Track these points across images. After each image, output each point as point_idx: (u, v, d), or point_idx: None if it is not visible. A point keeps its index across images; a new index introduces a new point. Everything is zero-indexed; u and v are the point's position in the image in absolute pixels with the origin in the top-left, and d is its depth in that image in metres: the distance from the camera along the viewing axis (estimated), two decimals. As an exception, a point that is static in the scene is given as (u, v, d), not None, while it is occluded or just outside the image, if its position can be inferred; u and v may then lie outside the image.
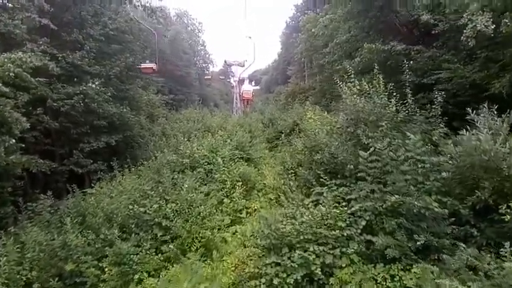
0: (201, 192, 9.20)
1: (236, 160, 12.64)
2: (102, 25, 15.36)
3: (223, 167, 10.71)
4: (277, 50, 75.55)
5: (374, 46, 10.91)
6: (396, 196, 5.11)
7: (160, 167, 11.34)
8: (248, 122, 25.09)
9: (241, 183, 10.14)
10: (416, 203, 4.96)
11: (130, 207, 7.97)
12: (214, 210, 8.65)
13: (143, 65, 18.54)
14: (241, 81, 36.46)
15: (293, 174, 9.94)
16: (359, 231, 5.50)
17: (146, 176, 11.16)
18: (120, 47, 16.67)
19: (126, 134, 16.38)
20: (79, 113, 14.11)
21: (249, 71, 52.77)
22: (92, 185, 12.96)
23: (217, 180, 10.26)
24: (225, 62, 37.57)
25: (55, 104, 13.36)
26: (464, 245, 4.70)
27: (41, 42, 13.28)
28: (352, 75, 7.55)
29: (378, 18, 12.33)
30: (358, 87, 7.19)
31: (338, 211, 5.43)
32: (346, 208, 5.51)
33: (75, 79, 14.82)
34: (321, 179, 6.90)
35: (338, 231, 5.36)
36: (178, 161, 11.46)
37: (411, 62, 10.25)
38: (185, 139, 17.64)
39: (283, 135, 16.75)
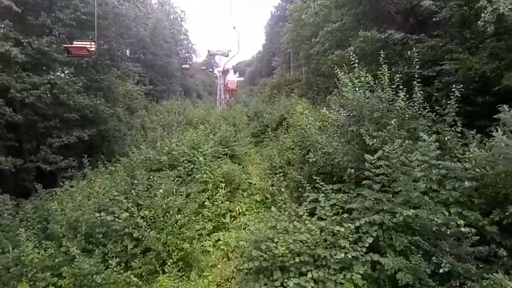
0: (180, 195, 8.20)
1: (219, 157, 11.66)
2: (73, 8, 13.99)
3: (205, 166, 9.68)
4: (261, 42, 74.46)
5: (369, 34, 10.02)
6: (412, 211, 4.25)
7: (135, 166, 10.25)
8: (232, 114, 24.06)
9: (224, 184, 9.18)
10: (435, 218, 4.11)
11: (97, 214, 6.89)
12: (194, 217, 7.66)
13: (74, 44, 12.32)
14: (225, 72, 35.28)
15: (282, 174, 9.08)
16: (364, 249, 4.63)
17: (119, 176, 10.04)
18: (93, 33, 15.34)
19: (100, 127, 15.12)
20: (47, 104, 12.84)
21: (233, 62, 51.52)
22: (62, 183, 11.82)
23: (198, 181, 9.25)
24: (208, 51, 36.21)
25: (19, 95, 12.02)
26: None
27: (2, 26, 11.91)
28: (356, 65, 6.53)
29: (373, 5, 11.45)
30: (362, 78, 6.24)
31: (341, 229, 4.51)
32: (350, 224, 4.58)
33: (43, 67, 13.50)
34: (316, 183, 5.99)
35: (340, 252, 4.46)
36: (155, 158, 10.38)
37: (409, 51, 9.44)
38: (165, 133, 16.65)
39: (269, 129, 15.83)
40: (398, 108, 5.48)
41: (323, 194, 5.91)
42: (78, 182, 11.58)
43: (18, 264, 6.30)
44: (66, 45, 11.98)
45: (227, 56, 35.12)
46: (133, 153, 10.99)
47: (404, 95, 5.60)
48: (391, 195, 4.82)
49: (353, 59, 6.73)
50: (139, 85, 34.80)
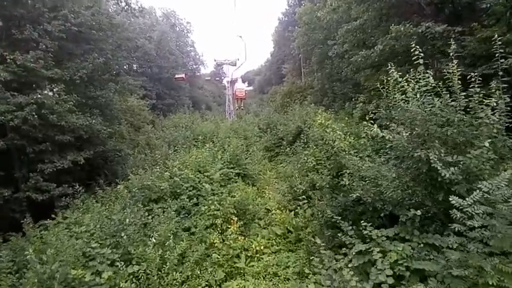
0: (182, 236, 6.62)
1: (230, 179, 10.08)
2: (62, 19, 12.67)
3: (213, 195, 8.04)
4: (269, 50, 73.27)
5: (402, 29, 8.35)
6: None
7: (131, 196, 8.76)
8: (243, 126, 22.56)
9: (237, 218, 7.56)
10: None
11: (73, 272, 5.31)
12: (200, 265, 6.05)
13: None
14: (233, 82, 33.92)
15: (306, 201, 7.43)
16: None
17: (111, 210, 8.53)
18: (89, 46, 14.07)
19: (98, 149, 13.69)
20: (35, 127, 11.43)
21: (242, 71, 50.28)
22: (54, 216, 10.36)
23: (205, 213, 7.63)
24: (215, 61, 34.92)
25: (2, 118, 10.66)
26: None
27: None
28: (420, 61, 4.64)
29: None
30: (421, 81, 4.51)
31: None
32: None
33: (33, 85, 12.21)
34: (362, 228, 4.31)
35: None
36: (155, 186, 8.82)
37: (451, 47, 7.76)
38: (171, 151, 15.18)
39: (285, 142, 14.23)
40: (488, 121, 3.76)
41: (373, 243, 4.22)
42: (73, 212, 10.17)
43: None
44: None
45: (235, 65, 33.79)
46: (129, 180, 9.47)
47: (495, 102, 3.86)
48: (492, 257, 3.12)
49: (417, 53, 4.79)
50: (145, 99, 33.74)
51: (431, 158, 3.65)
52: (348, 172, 5.98)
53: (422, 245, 4.00)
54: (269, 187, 11.57)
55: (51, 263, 5.93)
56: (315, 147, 9.51)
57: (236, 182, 10.03)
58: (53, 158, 12.36)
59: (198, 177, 9.19)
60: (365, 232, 4.28)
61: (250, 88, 76.31)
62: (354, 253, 4.26)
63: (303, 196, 7.64)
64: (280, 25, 48.70)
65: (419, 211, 3.97)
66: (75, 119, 12.34)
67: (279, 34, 50.38)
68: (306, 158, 9.13)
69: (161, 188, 8.70)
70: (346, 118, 14.13)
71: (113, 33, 16.04)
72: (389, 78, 5.23)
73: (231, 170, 10.93)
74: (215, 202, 7.65)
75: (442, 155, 3.79)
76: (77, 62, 13.14)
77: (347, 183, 5.89)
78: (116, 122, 15.71)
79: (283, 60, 47.43)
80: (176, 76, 38.98)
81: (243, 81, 51.75)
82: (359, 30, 11.19)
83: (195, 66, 58.10)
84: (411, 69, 5.08)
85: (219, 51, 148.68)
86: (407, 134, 4.19)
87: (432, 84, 4.34)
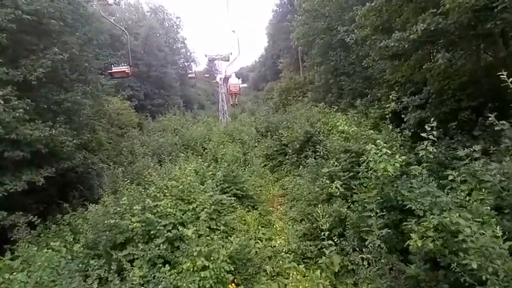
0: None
1: (224, 209, 7.70)
2: (11, 5, 10.15)
3: (197, 245, 5.52)
4: (263, 46, 70.61)
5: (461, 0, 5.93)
6: None
7: (94, 240, 6.42)
8: (238, 128, 20.14)
9: (234, 277, 5.21)
10: None
11: None
12: None
13: None
14: (226, 79, 31.58)
15: (333, 245, 5.15)
16: None
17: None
18: (50, 40, 11.59)
19: (62, 165, 11.22)
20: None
21: (236, 68, 48.07)
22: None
23: (189, 270, 5.22)
24: (206, 56, 32.49)
25: None
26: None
27: None
28: None
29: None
30: None
31: None
32: None
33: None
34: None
35: None
36: (121, 225, 6.39)
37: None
38: (153, 162, 12.80)
39: (290, 150, 11.84)
40: None
41: None
42: (27, 246, 7.78)
43: None
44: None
45: (228, 60, 31.37)
46: (84, 216, 7.05)
47: None
48: None
49: None
50: (132, 100, 31.14)
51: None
52: (421, 222, 3.61)
53: None
54: (275, 210, 9.25)
55: None
56: (337, 163, 7.11)
57: (233, 212, 7.63)
58: (4, 179, 9.91)
59: (182, 209, 6.78)
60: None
61: (245, 85, 73.75)
62: None
63: (328, 234, 5.34)
64: (275, 18, 46.00)
65: None
66: (29, 131, 9.88)
67: (273, 27, 47.75)
68: (327, 181, 6.68)
69: (130, 227, 6.29)
70: (359, 117, 11.78)
71: (82, 24, 13.51)
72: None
73: (226, 189, 8.58)
74: (201, 254, 5.25)
75: None
76: (33, 59, 10.64)
77: (431, 247, 3.52)
78: (87, 130, 13.20)
79: (279, 54, 44.83)
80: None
81: (237, 77, 49.30)
82: (382, 9, 8.69)
83: (186, 64, 55.40)
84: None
85: (211, 47, 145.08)
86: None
87: None
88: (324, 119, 12.43)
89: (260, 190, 10.02)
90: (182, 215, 6.61)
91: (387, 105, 7.44)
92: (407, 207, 4.24)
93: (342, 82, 17.64)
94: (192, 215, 6.57)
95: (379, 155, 4.80)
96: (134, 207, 6.39)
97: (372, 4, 8.74)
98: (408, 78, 9.87)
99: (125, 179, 11.16)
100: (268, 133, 14.85)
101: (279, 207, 9.60)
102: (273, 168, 12.71)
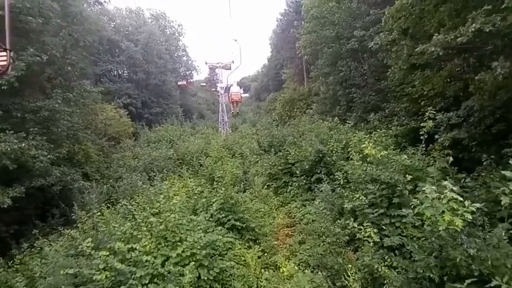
0: None
1: (220, 245, 6.18)
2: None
3: None
4: (265, 56, 69.62)
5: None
6: None
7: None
8: (238, 142, 18.67)
9: None
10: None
11: None
12: None
13: None
14: (227, 89, 30.32)
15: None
16: None
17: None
18: (26, 40, 10.25)
19: (35, 183, 9.76)
20: None
21: (237, 77, 46.91)
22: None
23: None
24: (206, 63, 31.22)
25: None
26: None
27: None
28: None
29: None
30: None
31: None
32: None
33: None
34: None
35: None
36: (84, 275, 4.87)
37: None
38: (141, 181, 11.29)
39: (297, 171, 10.32)
40: None
41: None
42: None
43: None
44: None
45: (229, 68, 30.14)
46: (41, 259, 5.51)
47: None
48: None
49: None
50: (128, 108, 29.79)
51: None
52: None
53: None
54: (281, 243, 7.72)
55: None
56: (363, 197, 5.59)
57: (230, 249, 6.11)
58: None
59: (164, 254, 5.24)
60: None
61: (246, 95, 72.49)
62: None
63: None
64: (279, 27, 44.81)
65: None
66: (-6, 144, 8.45)
67: (277, 36, 46.58)
68: (355, 224, 5.08)
69: (95, 279, 4.76)
70: (379, 137, 10.23)
71: (68, 23, 12.17)
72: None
73: (224, 218, 7.09)
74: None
75: None
76: (5, 61, 9.22)
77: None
78: (68, 142, 11.71)
79: (282, 64, 43.50)
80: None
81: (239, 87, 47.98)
82: (419, 6, 7.23)
83: (187, 72, 54.05)
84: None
85: (212, 55, 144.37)
86: None
87: None
88: (336, 136, 10.92)
89: (263, 218, 8.51)
90: (165, 261, 5.08)
91: (424, 123, 5.95)
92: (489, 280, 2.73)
93: (352, 94, 16.23)
94: (177, 263, 5.03)
95: (443, 201, 3.32)
96: (101, 253, 4.83)
97: (404, 2, 7.33)
98: (438, 91, 8.41)
99: (107, 200, 9.73)
100: (272, 148, 13.33)
101: (285, 239, 8.05)
102: (277, 190, 11.18)
